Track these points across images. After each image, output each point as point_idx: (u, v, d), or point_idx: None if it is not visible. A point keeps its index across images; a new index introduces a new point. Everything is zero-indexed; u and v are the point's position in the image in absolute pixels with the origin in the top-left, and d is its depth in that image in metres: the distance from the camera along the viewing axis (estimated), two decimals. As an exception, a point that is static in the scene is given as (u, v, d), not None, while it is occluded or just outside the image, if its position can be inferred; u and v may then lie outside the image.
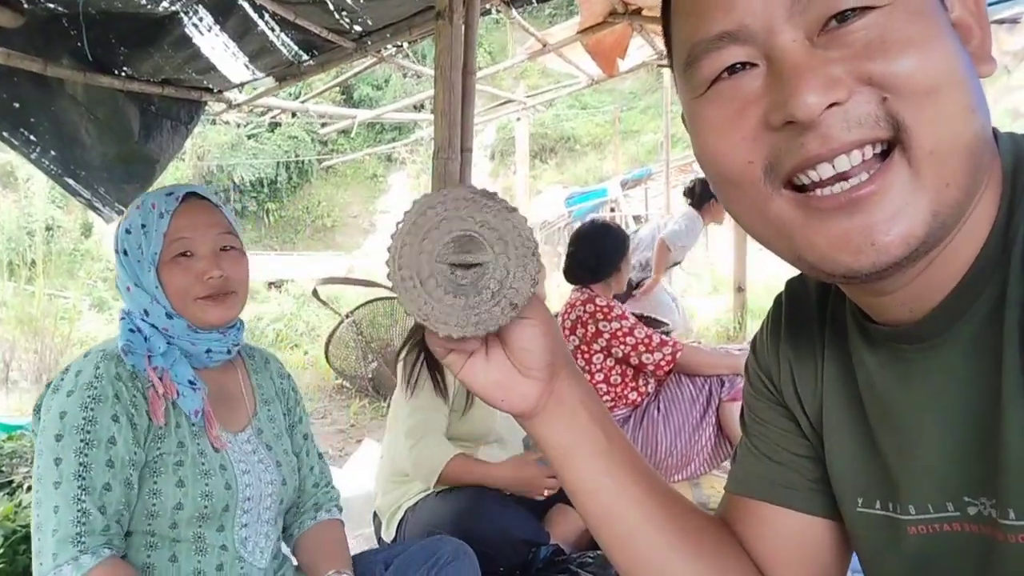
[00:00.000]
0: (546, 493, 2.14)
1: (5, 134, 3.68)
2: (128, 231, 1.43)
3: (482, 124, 12.89)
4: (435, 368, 2.27)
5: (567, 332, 3.02)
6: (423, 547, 1.65)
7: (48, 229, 16.74)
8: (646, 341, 2.91)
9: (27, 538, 2.15)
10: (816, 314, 0.75)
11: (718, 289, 11.48)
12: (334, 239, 27.34)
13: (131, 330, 1.40)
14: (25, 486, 2.53)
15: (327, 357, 5.55)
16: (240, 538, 1.40)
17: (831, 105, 0.52)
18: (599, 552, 2.01)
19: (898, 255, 0.53)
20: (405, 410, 2.26)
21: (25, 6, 3.21)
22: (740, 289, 6.89)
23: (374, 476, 2.52)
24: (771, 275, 11.48)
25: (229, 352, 1.52)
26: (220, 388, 1.51)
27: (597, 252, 3.10)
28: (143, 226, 1.41)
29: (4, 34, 3.39)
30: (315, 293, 5.49)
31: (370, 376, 5.23)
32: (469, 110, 3.12)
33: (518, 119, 11.68)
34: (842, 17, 0.53)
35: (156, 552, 1.33)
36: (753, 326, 7.52)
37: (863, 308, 0.67)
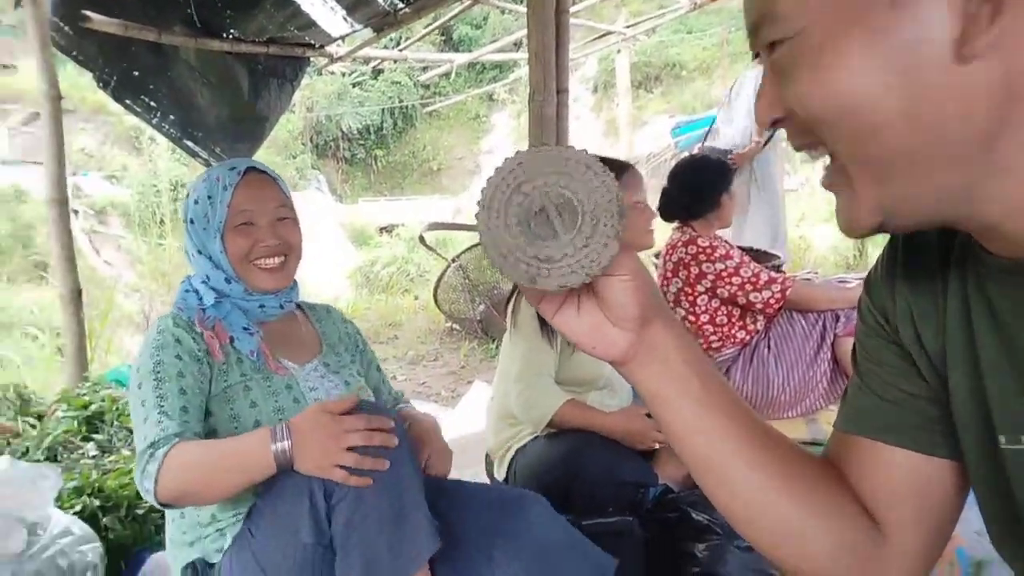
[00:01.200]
0: (655, 446, 2.14)
1: (128, 101, 3.89)
2: (196, 202, 1.59)
3: (583, 57, 12.61)
4: None
5: (669, 274, 2.97)
6: (511, 518, 1.64)
7: (173, 188, 17.67)
8: (753, 280, 2.83)
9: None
10: (937, 249, 0.72)
11: (834, 216, 10.93)
12: (440, 182, 27.63)
13: (187, 291, 1.59)
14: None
15: (436, 301, 5.68)
16: None
17: (775, 121, 0.63)
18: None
19: (867, 233, 0.63)
20: (514, 353, 2.29)
21: (137, -23, 3.36)
22: (860, 215, 6.57)
23: (485, 417, 2.59)
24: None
25: (282, 307, 1.66)
26: (283, 334, 1.66)
27: (694, 188, 3.00)
28: (209, 197, 1.57)
29: (120, 5, 3.56)
30: (422, 239, 5.61)
31: (479, 319, 5.33)
32: (564, 50, 3.06)
33: (618, 51, 11.37)
34: (771, 46, 0.60)
35: None
36: (875, 253, 7.15)
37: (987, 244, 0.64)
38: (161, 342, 1.46)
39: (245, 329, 1.56)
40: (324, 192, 24.26)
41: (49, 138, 3.35)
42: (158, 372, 1.42)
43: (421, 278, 9.18)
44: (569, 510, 1.79)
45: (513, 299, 2.34)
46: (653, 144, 15.11)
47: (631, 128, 10.67)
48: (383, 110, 27.45)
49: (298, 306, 1.76)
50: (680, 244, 2.92)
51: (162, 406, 1.38)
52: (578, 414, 2.19)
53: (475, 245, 5.45)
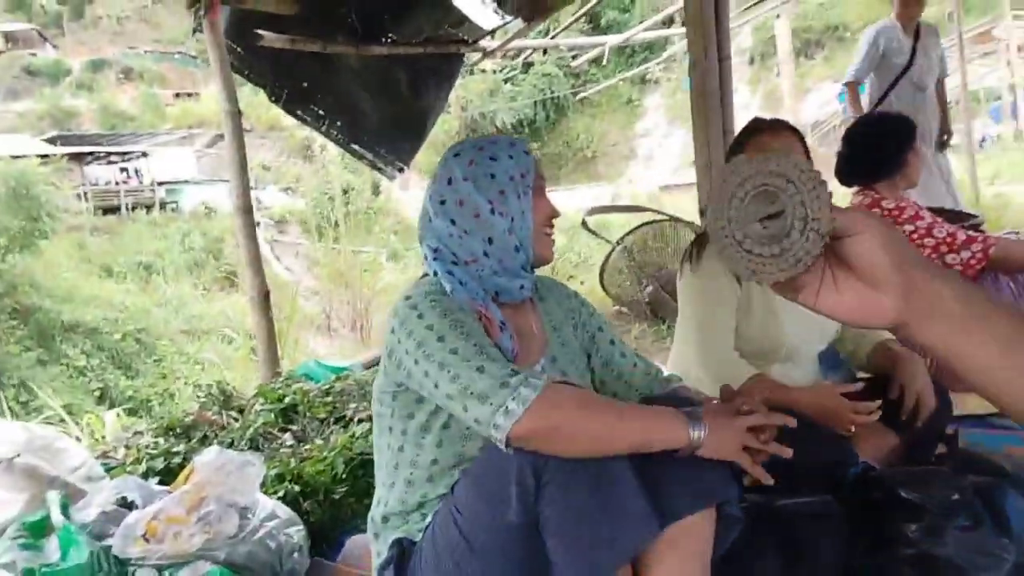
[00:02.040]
0: (852, 429, 1.97)
1: (299, 112, 4.11)
2: (491, 158, 1.51)
3: (736, 28, 12.13)
4: None
5: None
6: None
7: (344, 192, 18.65)
8: (948, 240, 2.57)
9: (364, 464, 2.46)
10: None
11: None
12: (596, 170, 27.54)
13: (448, 272, 1.48)
14: (356, 419, 2.87)
15: (602, 285, 5.64)
16: None
17: None
18: (914, 468, 1.85)
19: None
20: (693, 311, 2.18)
21: (299, -8, 3.53)
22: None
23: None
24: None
25: (536, 286, 1.61)
26: (516, 324, 1.57)
27: (876, 147, 2.77)
28: (510, 156, 1.52)
29: (284, 22, 3.76)
30: (584, 224, 5.58)
31: (647, 300, 5.24)
32: (724, 14, 2.93)
33: (777, 16, 10.83)
34: None
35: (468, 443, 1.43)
36: (1085, 209, 6.42)
37: None
38: (447, 305, 1.40)
39: (503, 324, 1.47)
40: (481, 188, 24.87)
41: (233, 152, 3.59)
42: (445, 315, 1.37)
43: (584, 263, 9.15)
44: (758, 490, 1.70)
45: (698, 247, 2.22)
46: (818, 112, 14.34)
47: (794, 97, 10.12)
48: (535, 103, 27.71)
49: None
50: (863, 208, 2.71)
51: (487, 351, 1.33)
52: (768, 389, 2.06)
53: (639, 227, 5.36)
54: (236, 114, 3.58)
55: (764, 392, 2.01)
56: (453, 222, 1.50)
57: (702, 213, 2.96)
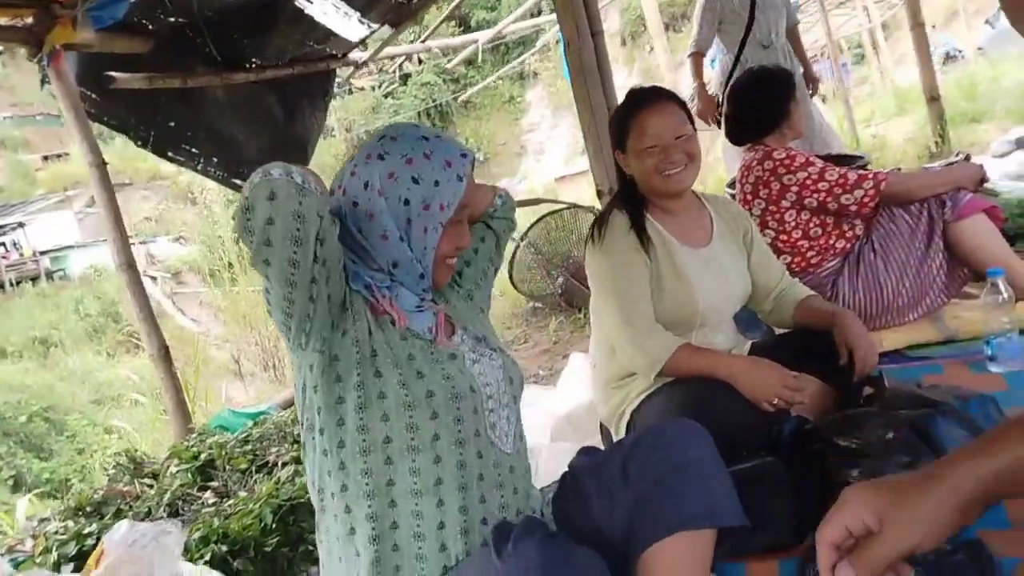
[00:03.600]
0: (775, 402, 1.92)
1: (170, 153, 3.91)
2: (414, 179, 1.40)
3: (603, 8, 12.31)
4: (638, 222, 2.10)
5: (749, 197, 2.78)
6: (648, 433, 1.58)
7: (233, 232, 18.09)
8: (841, 182, 2.61)
9: (294, 508, 2.34)
10: None
11: (904, 108, 10.36)
12: (490, 171, 27.67)
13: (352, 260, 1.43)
14: (279, 463, 2.73)
15: (513, 284, 5.59)
16: (489, 423, 1.43)
17: None
18: (847, 413, 1.84)
19: None
20: (607, 289, 2.13)
21: (150, 27, 3.34)
22: (934, 99, 6.14)
23: (590, 388, 2.47)
24: (965, 78, 10.26)
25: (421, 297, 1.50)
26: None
27: (759, 103, 2.81)
28: (436, 183, 1.41)
29: (140, 61, 3.56)
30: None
31: (560, 292, 5.23)
32: (589, -9, 2.91)
33: (640, -6, 11.03)
34: None
35: (419, 455, 1.35)
36: (957, 136, 6.74)
37: None
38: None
39: (418, 308, 1.45)
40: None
41: (105, 204, 3.37)
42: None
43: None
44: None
45: (599, 226, 2.18)
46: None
47: (671, 70, 10.31)
48: (418, 113, 27.59)
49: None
50: (755, 163, 2.73)
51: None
52: (697, 359, 2.02)
53: (539, 219, 5.33)
54: (101, 164, 3.36)
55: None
56: (360, 230, 1.41)
57: (599, 194, 2.92)
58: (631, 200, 2.17)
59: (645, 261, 2.11)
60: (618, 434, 2.24)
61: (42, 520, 2.76)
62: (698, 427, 1.55)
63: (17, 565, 2.39)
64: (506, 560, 1.20)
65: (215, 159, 4.05)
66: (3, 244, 24.46)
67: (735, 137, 2.89)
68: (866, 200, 2.62)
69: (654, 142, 2.04)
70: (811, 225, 2.72)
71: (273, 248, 1.18)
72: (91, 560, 1.92)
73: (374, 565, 1.33)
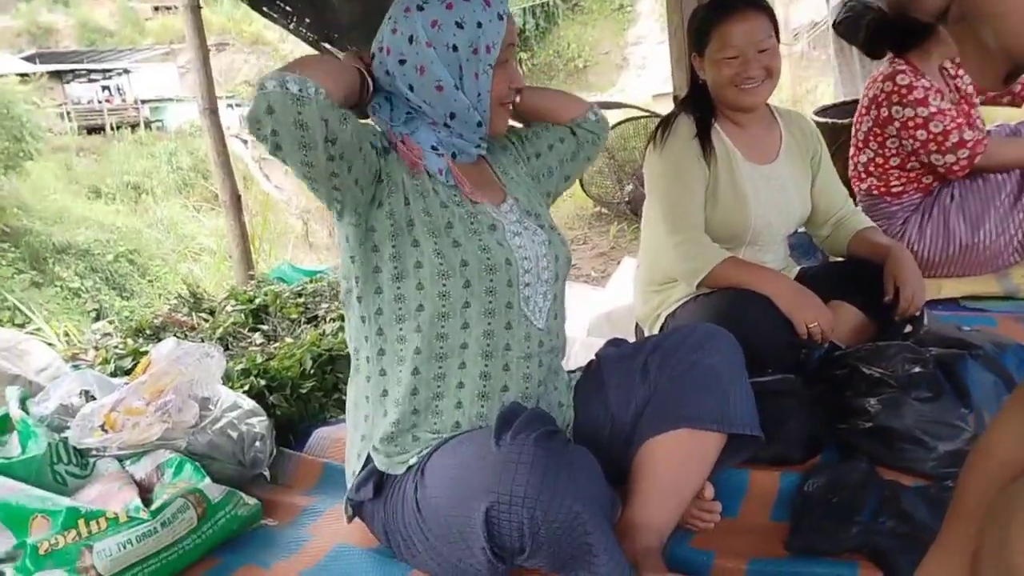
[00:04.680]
0: (808, 328, 1.85)
1: (265, 8, 3.93)
2: (458, 23, 1.39)
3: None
4: (703, 130, 2.06)
5: (863, 110, 2.62)
6: (675, 332, 1.62)
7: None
8: (940, 139, 2.44)
9: (333, 359, 2.45)
10: None
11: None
12: (587, 79, 26.95)
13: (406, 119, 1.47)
14: (327, 318, 2.85)
15: (582, 186, 5.55)
16: (523, 296, 1.45)
17: None
18: (878, 344, 1.82)
19: None
20: (660, 191, 2.11)
21: None
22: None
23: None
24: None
25: (479, 146, 1.52)
26: (474, 178, 1.52)
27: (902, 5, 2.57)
28: (478, 24, 1.39)
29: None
30: (565, 125, 5.46)
31: (627, 199, 5.18)
32: None
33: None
34: None
35: (448, 321, 1.40)
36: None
37: None
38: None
39: (434, 149, 1.46)
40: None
41: (195, 50, 3.46)
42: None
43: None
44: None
45: (663, 128, 2.14)
46: (814, 13, 13.91)
47: (784, 4, 9.80)
48: (524, 10, 26.91)
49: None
50: (880, 78, 2.55)
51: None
52: (741, 271, 2.00)
53: (618, 124, 5.24)
54: (196, 8, 3.43)
55: None
56: (412, 88, 1.43)
57: (675, 100, 2.85)
58: (700, 106, 2.12)
59: (704, 170, 2.08)
60: (651, 334, 2.26)
61: (105, 335, 2.98)
62: (727, 335, 1.57)
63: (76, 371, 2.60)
64: (501, 448, 1.25)
65: (307, 20, 4.06)
66: (108, 88, 25.32)
67: (874, 47, 2.69)
68: (955, 168, 2.48)
69: (734, 52, 1.97)
70: (910, 160, 2.58)
71: (284, 152, 1.24)
72: (139, 367, 2.08)
73: (395, 425, 1.43)
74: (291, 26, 4.10)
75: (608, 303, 2.99)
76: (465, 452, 1.34)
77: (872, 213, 2.53)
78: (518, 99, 1.53)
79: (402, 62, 1.41)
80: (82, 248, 16.13)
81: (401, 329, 1.41)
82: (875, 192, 2.64)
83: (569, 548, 1.21)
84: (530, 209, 1.55)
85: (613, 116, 5.61)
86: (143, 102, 24.54)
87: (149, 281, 15.08)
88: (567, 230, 5.50)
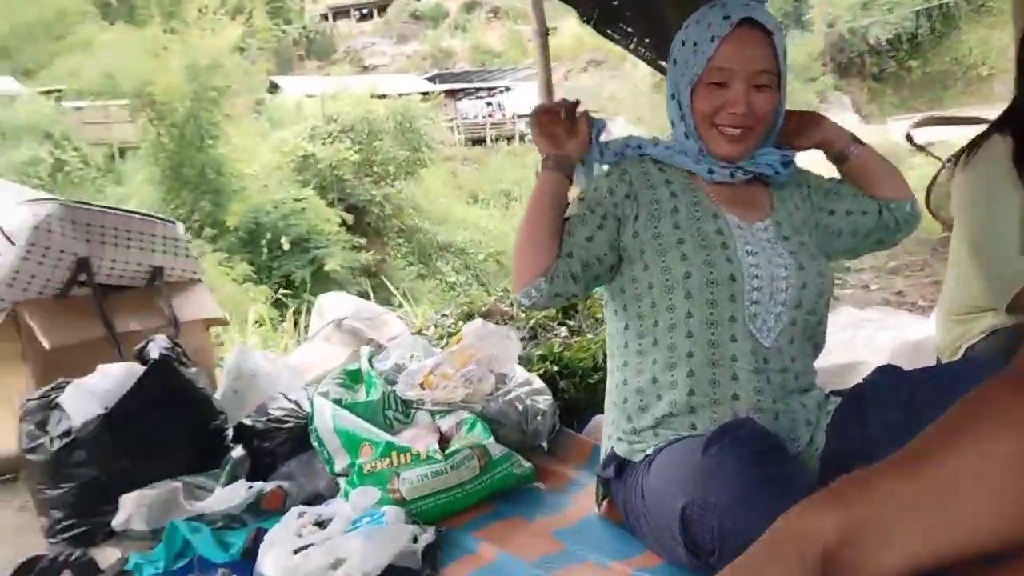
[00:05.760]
0: None
1: (608, 31, 4.27)
2: (683, 43, 1.55)
3: None
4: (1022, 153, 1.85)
5: None
6: (945, 371, 1.54)
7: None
8: None
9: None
10: None
11: None
12: (992, 90, 23.54)
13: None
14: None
15: (929, 208, 5.05)
16: (749, 313, 1.52)
17: None
18: None
19: None
20: (963, 214, 1.98)
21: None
22: None
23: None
24: None
25: (732, 176, 1.59)
26: (735, 192, 1.61)
27: None
28: (694, 44, 1.51)
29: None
30: (908, 138, 5.03)
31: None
32: None
33: None
34: None
35: (675, 331, 1.53)
36: None
37: None
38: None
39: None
40: (847, 114, 22.90)
41: (540, 70, 3.90)
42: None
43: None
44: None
45: (971, 148, 1.99)
46: None
47: None
48: (917, 13, 24.62)
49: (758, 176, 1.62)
50: None
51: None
52: None
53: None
54: (543, 34, 3.86)
55: None
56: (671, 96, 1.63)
57: None
58: (1021, 124, 1.94)
59: (1018, 188, 1.90)
60: (947, 367, 2.12)
61: (443, 315, 3.52)
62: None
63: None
64: (705, 457, 1.32)
65: (647, 40, 4.33)
66: (490, 104, 28.30)
67: None
68: None
69: None
70: None
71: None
72: (453, 340, 2.49)
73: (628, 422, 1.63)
74: (631, 46, 4.39)
75: (922, 332, 2.81)
76: (680, 452, 1.45)
77: None
78: (733, 129, 1.52)
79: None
80: (459, 247, 18.29)
81: (640, 344, 1.59)
82: None
83: None
84: (789, 235, 1.60)
85: (972, 131, 5.04)
86: (519, 117, 27.07)
87: (508, 279, 16.60)
88: (904, 255, 5.06)
